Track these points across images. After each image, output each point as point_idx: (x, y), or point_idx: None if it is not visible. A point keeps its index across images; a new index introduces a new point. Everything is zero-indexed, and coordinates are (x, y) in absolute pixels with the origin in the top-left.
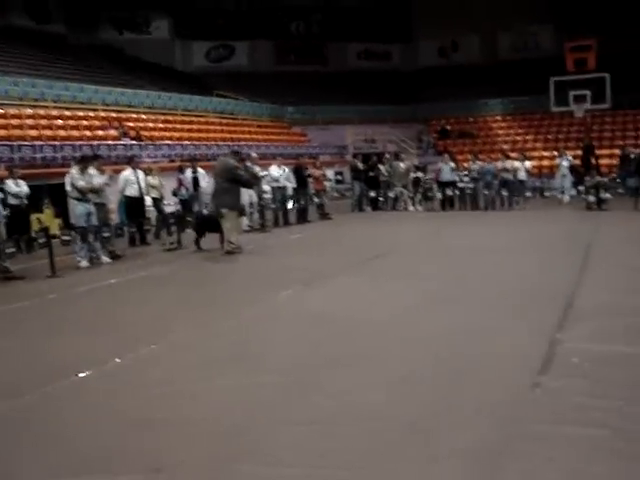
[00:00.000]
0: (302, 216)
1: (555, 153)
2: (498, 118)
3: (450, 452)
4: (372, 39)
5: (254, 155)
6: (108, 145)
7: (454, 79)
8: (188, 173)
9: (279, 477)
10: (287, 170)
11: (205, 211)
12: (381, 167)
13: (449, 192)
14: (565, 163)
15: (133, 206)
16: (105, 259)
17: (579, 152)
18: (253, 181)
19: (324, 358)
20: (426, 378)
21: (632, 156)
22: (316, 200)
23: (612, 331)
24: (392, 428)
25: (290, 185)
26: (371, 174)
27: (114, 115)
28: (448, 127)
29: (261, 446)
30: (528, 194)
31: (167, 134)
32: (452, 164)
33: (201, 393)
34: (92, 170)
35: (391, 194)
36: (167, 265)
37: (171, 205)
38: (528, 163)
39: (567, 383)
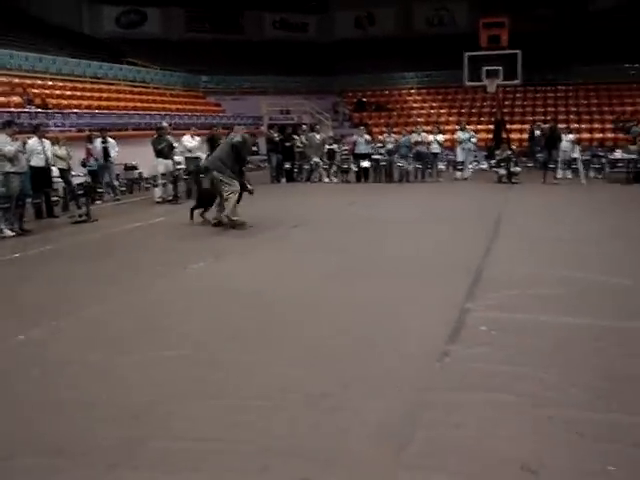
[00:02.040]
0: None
1: (456, 127)
2: (413, 91)
3: (361, 423)
4: (289, 9)
5: (165, 124)
6: (11, 112)
7: (370, 51)
8: (97, 143)
9: (191, 452)
10: (200, 140)
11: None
12: (296, 138)
13: (364, 164)
14: (466, 136)
15: (39, 177)
16: (7, 232)
17: (491, 126)
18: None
19: (234, 331)
20: (337, 349)
21: (538, 132)
22: None
23: (519, 300)
24: (302, 400)
25: (204, 155)
26: (287, 144)
27: (17, 81)
28: (364, 99)
29: (171, 422)
30: (441, 166)
31: (75, 102)
32: (367, 136)
33: (108, 370)
34: (3, 137)
35: (306, 166)
36: (74, 238)
37: (80, 176)
38: (441, 136)
39: (475, 351)
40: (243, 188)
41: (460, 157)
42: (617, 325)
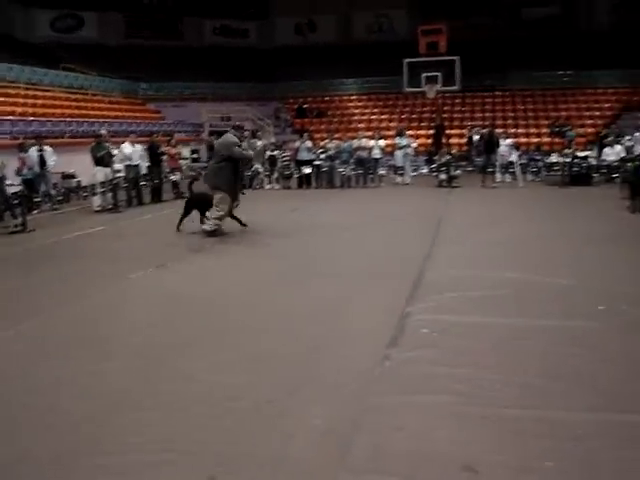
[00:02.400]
0: (156, 195)
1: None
2: (354, 98)
3: (305, 429)
4: (229, 15)
5: (103, 132)
6: None
7: (311, 58)
8: (33, 151)
9: (132, 464)
10: (140, 148)
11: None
12: None
13: (306, 170)
14: (404, 142)
15: None
16: None
17: (431, 132)
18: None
19: (176, 339)
20: (279, 355)
21: (477, 137)
22: (172, 178)
23: (459, 302)
24: (246, 407)
25: (144, 164)
26: None
27: None
28: (305, 106)
29: (106, 435)
30: (382, 172)
31: (8, 109)
32: (309, 143)
33: (44, 383)
34: None
35: (248, 172)
36: (9, 248)
37: (14, 185)
38: (382, 142)
39: (416, 354)
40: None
41: (400, 162)
42: (553, 324)
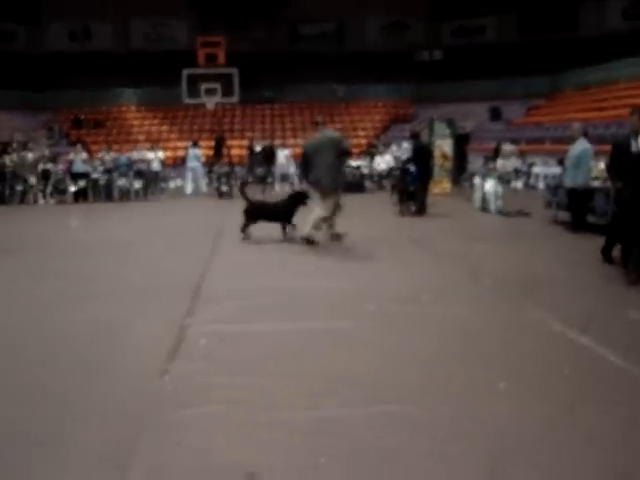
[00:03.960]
0: None
1: (179, 144)
2: (133, 108)
3: (80, 455)
4: None
5: None
6: None
7: (87, 66)
8: None
9: None
10: None
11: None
12: (7, 157)
13: (82, 184)
14: (195, 153)
15: None
16: None
17: (212, 143)
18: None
19: None
20: (55, 378)
21: (258, 148)
22: None
23: (237, 311)
24: (24, 441)
25: None
26: None
27: None
28: (82, 116)
29: None
30: (163, 184)
31: None
32: (85, 155)
33: None
34: None
35: (19, 187)
36: None
37: None
38: (162, 154)
39: (195, 366)
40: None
41: (189, 174)
42: (327, 326)
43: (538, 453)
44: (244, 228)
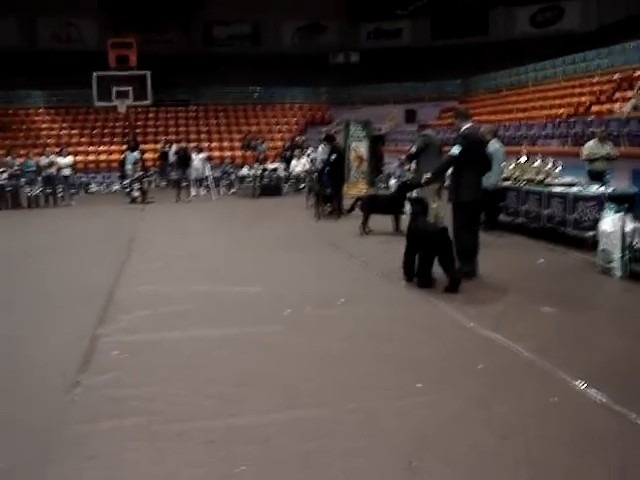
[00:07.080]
0: None
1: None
2: (41, 111)
3: None
4: None
5: None
6: None
7: None
8: None
9: None
10: None
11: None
12: None
13: None
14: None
15: None
16: None
17: (124, 147)
18: None
19: None
20: None
21: (173, 151)
22: None
23: (150, 320)
24: None
25: None
26: None
27: None
28: None
29: None
30: (73, 190)
31: None
32: None
33: None
34: None
35: None
36: None
37: None
38: (70, 158)
39: (106, 377)
40: None
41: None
42: (242, 331)
43: (454, 449)
44: (363, 224)
